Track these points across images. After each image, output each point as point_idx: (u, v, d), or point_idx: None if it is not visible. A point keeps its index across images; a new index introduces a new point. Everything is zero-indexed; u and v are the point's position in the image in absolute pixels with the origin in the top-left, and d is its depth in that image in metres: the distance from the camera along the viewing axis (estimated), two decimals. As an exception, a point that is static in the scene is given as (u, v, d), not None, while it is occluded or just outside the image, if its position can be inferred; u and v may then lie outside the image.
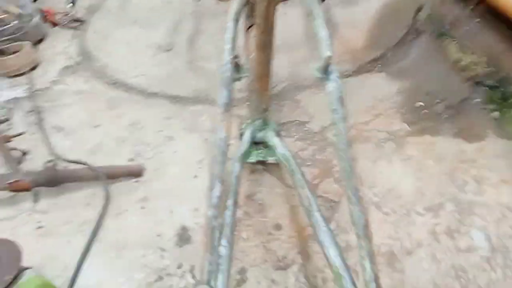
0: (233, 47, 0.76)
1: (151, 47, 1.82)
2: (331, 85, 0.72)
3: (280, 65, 1.60)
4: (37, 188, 1.19)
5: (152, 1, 2.17)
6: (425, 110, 1.41)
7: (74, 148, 1.35)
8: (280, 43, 1.68)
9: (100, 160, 1.30)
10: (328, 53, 0.73)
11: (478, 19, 1.78)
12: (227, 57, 0.75)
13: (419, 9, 1.90)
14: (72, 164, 1.27)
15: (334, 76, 0.73)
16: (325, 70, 0.70)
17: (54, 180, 1.17)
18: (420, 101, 1.44)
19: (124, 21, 2.02)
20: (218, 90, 0.70)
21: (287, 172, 1.15)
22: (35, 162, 1.31)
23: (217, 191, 0.63)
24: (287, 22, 1.88)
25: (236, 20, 0.77)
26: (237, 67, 0.71)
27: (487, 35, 1.69)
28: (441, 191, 1.16)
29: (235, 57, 0.70)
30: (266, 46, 1.04)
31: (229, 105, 0.73)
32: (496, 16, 1.74)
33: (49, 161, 1.20)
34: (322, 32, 0.77)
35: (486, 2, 1.76)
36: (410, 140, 1.32)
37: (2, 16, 1.70)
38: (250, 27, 1.58)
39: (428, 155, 1.27)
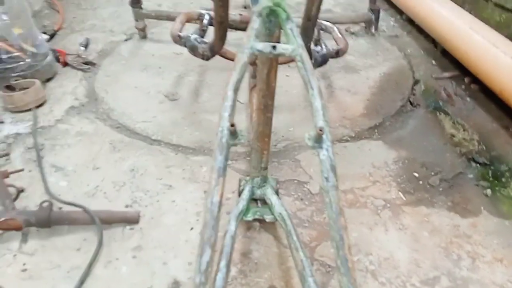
0: (231, 115, 0.79)
1: (158, 94, 1.88)
2: (323, 154, 0.74)
3: (281, 125, 1.66)
4: (28, 228, 1.16)
5: (163, 50, 2.26)
6: (421, 181, 1.45)
7: (71, 189, 1.34)
8: (282, 103, 1.77)
9: (97, 204, 1.28)
10: (320, 124, 0.77)
11: (471, 98, 1.89)
12: (224, 124, 0.77)
13: (415, 83, 2.02)
14: (67, 205, 1.25)
15: (326, 145, 0.75)
16: (318, 140, 0.73)
17: (47, 221, 1.14)
18: (415, 172, 1.48)
19: (134, 67, 2.09)
20: (214, 154, 0.72)
21: (284, 232, 1.15)
22: (30, 201, 1.29)
23: (207, 256, 0.62)
24: (290, 83, 1.97)
25: (236, 90, 0.81)
26: (233, 133, 0.74)
27: (479, 114, 1.79)
28: (437, 264, 1.16)
29: (232, 124, 0.73)
30: (266, 108, 1.09)
31: (224, 170, 0.74)
32: (488, 96, 1.86)
33: (44, 201, 1.18)
34: (317, 102, 0.80)
35: (479, 81, 1.89)
36: (406, 209, 1.34)
37: (17, 53, 1.75)
38: (253, 87, 1.66)
39: (424, 227, 1.28)
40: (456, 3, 2.24)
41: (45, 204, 1.16)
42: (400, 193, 1.40)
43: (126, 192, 1.35)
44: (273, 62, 1.01)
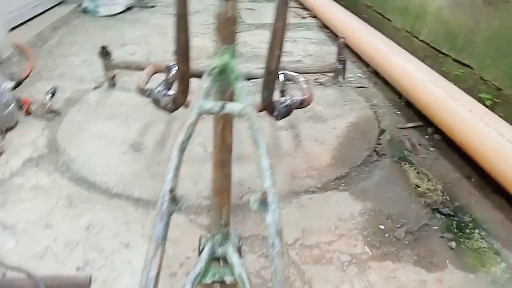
0: (175, 177, 0.76)
1: (123, 144, 1.84)
2: (269, 218, 0.71)
3: (248, 175, 1.64)
4: (-36, 297, 1.05)
5: (132, 99, 2.25)
6: (387, 234, 1.43)
7: (19, 250, 1.25)
8: (249, 153, 1.76)
9: (45, 266, 1.20)
10: (267, 186, 0.75)
11: (434, 147, 1.94)
12: (166, 187, 0.74)
13: (381, 133, 2.06)
14: (10, 270, 1.15)
15: (272, 207, 0.73)
16: (263, 202, 0.70)
17: (-14, 289, 1.05)
18: (381, 224, 1.47)
19: (101, 116, 2.06)
20: (153, 222, 0.68)
21: (246, 295, 1.09)
22: (-30, 264, 1.19)
23: None
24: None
25: (182, 150, 0.79)
26: (174, 198, 0.70)
27: (443, 163, 1.82)
28: (403, 326, 1.11)
29: (172, 190, 0.69)
30: (224, 164, 1.07)
31: (163, 239, 0.70)
32: (450, 146, 1.90)
33: (-14, 266, 1.09)
34: (264, 163, 0.79)
35: (442, 132, 1.94)
36: (372, 265, 1.31)
37: (-24, 103, 1.70)
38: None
39: (390, 283, 1.25)
40: (417, 57, 2.36)
41: (-16, 270, 1.07)
42: (366, 247, 1.37)
43: (79, 252, 1.27)
44: (228, 118, 1.00)
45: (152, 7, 4.21)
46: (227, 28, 0.85)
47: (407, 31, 2.72)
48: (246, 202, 1.53)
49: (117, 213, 1.44)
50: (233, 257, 1.17)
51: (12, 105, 1.88)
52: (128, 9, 4.01)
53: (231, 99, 1.00)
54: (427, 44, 2.46)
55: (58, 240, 1.31)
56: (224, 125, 1.02)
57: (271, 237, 0.72)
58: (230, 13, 0.84)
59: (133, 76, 2.50)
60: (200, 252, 1.20)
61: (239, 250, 1.22)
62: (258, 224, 1.44)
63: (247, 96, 0.90)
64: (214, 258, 1.21)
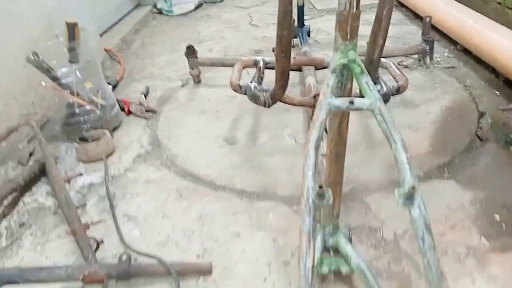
0: (315, 173, 0.77)
1: (218, 138, 1.92)
2: (416, 212, 0.70)
3: (345, 166, 1.63)
4: (108, 281, 1.18)
5: (217, 94, 2.34)
6: (504, 225, 1.34)
7: (144, 239, 1.37)
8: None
9: (169, 254, 1.30)
10: (411, 181, 0.73)
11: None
12: (309, 183, 0.76)
13: (481, 116, 1.93)
14: (143, 256, 1.27)
15: (418, 201, 0.72)
16: (409, 197, 0.69)
17: (127, 274, 1.17)
18: (497, 214, 1.38)
19: (193, 112, 2.17)
20: (302, 216, 0.70)
21: (363, 284, 1.10)
22: (107, 251, 1.33)
23: None
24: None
25: (317, 147, 0.81)
26: (321, 194, 0.72)
27: (559, 147, 1.66)
28: (538, 322, 1.05)
29: (320, 186, 0.72)
30: (338, 157, 1.07)
31: (314, 232, 0.72)
32: None
33: (123, 254, 1.21)
34: (402, 157, 0.78)
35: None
36: (492, 257, 1.24)
37: (89, 106, 1.87)
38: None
39: (515, 276, 1.17)
40: (515, 31, 2.16)
41: (124, 257, 1.19)
42: (483, 238, 1.30)
43: (196, 241, 1.36)
44: (346, 113, 1.00)
45: (221, 1, 4.29)
46: (350, 24, 0.84)
47: (498, 2, 2.49)
48: (347, 192, 1.53)
49: (224, 204, 1.51)
50: (347, 248, 1.18)
51: (117, 106, 2.05)
52: (199, 6, 4.14)
53: (350, 94, 0.99)
54: (527, 15, 2.24)
55: (176, 229, 1.41)
56: (342, 119, 1.02)
57: (420, 231, 0.71)
58: (354, 8, 0.83)
59: (215, 72, 2.60)
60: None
61: (350, 240, 1.23)
62: (363, 214, 1.43)
63: (375, 91, 0.89)
64: (325, 250, 1.24)
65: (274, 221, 1.42)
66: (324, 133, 0.97)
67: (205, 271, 1.23)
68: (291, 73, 2.29)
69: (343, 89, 0.96)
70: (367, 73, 0.90)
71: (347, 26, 0.84)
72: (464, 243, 1.29)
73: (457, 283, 1.17)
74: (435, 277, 0.67)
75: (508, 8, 2.39)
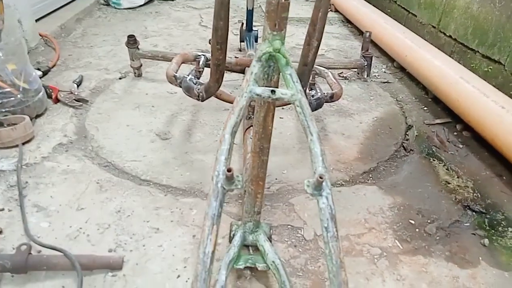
0: (228, 159, 0.76)
1: (150, 133, 1.85)
2: (323, 202, 0.70)
3: (275, 167, 1.63)
4: (1, 274, 1.07)
5: (157, 89, 2.27)
6: (417, 229, 1.41)
7: (53, 231, 1.27)
8: (275, 145, 1.75)
9: (79, 248, 1.21)
10: (320, 170, 0.73)
11: (464, 144, 1.90)
12: (220, 168, 0.73)
13: (408, 128, 2.03)
14: (47, 249, 1.17)
15: (326, 192, 0.72)
16: (318, 187, 0.69)
17: (24, 266, 1.06)
18: (412, 219, 1.45)
19: (127, 106, 2.08)
20: (208, 200, 0.68)
21: (277, 282, 1.09)
22: (8, 243, 1.21)
23: None
24: (284, 125, 1.97)
25: (234, 133, 0.79)
26: (229, 178, 0.70)
27: (472, 161, 1.79)
28: (438, 320, 1.09)
29: (229, 169, 0.70)
30: (262, 151, 1.07)
31: (218, 217, 0.70)
32: (480, 143, 1.87)
33: (22, 244, 1.11)
34: (316, 148, 0.78)
35: (471, 129, 1.90)
36: (403, 259, 1.29)
37: (9, 89, 1.72)
38: (248, 128, 1.65)
39: (422, 277, 1.23)
40: (445, 53, 2.32)
41: (23, 248, 1.08)
42: (396, 241, 1.35)
43: (111, 235, 1.28)
44: (271, 106, 0.99)
45: (173, 0, 4.22)
46: (279, 15, 0.84)
47: (433, 26, 2.67)
48: (274, 192, 1.53)
49: (146, 199, 1.45)
50: (265, 245, 1.17)
51: (42, 92, 1.91)
52: (149, 1, 4.03)
53: (276, 85, 0.99)
54: (455, 39, 2.42)
55: (90, 222, 1.32)
56: (267, 112, 1.01)
57: (325, 221, 0.71)
58: None
59: (157, 67, 2.53)
60: (231, 239, 1.20)
61: (269, 239, 1.22)
62: (287, 214, 1.43)
63: (297, 83, 0.89)
64: (244, 246, 1.22)
65: (197, 218, 1.38)
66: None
67: (115, 266, 1.16)
68: (235, 75, 2.30)
69: (269, 81, 0.95)
70: (291, 65, 0.90)
71: (276, 16, 0.83)
72: (379, 245, 1.33)
73: (369, 282, 1.20)
74: (334, 267, 0.66)
75: (441, 32, 2.57)
